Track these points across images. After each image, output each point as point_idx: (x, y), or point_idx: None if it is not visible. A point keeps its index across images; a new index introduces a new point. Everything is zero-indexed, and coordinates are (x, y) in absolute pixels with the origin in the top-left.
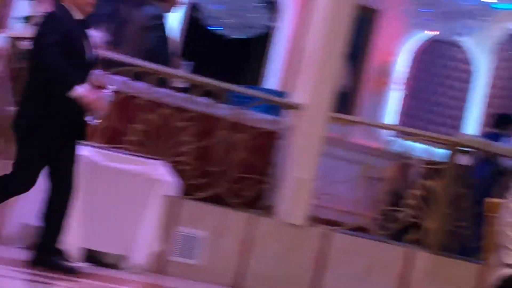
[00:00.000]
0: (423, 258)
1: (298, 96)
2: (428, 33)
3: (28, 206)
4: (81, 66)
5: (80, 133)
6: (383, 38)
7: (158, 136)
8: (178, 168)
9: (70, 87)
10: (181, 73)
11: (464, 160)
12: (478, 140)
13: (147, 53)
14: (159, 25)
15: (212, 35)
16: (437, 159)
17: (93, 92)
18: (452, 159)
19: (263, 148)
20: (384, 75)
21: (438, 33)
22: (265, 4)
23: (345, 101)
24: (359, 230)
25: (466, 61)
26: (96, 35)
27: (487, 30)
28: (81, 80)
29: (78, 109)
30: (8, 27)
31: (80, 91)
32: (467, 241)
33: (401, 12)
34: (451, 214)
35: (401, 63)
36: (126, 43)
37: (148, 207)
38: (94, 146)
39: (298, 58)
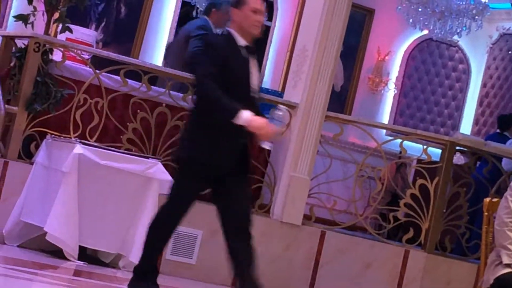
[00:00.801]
0: (419, 257)
1: (294, 96)
2: (424, 33)
3: (27, 204)
4: (244, 95)
5: (245, 167)
6: (379, 37)
7: (154, 134)
8: (173, 167)
9: (233, 114)
10: (178, 72)
11: (460, 159)
12: (473, 140)
13: (185, 62)
14: (201, 36)
15: None
16: (433, 158)
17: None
18: (448, 159)
19: (259, 147)
20: (379, 74)
21: (433, 32)
22: None
23: (340, 100)
24: (355, 229)
25: (461, 60)
26: (89, 33)
27: (482, 29)
28: (245, 108)
29: (243, 140)
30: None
31: (246, 116)
32: (463, 240)
33: (396, 11)
34: (447, 213)
35: (397, 62)
36: (172, 54)
37: (143, 205)
38: (90, 145)
39: (294, 58)
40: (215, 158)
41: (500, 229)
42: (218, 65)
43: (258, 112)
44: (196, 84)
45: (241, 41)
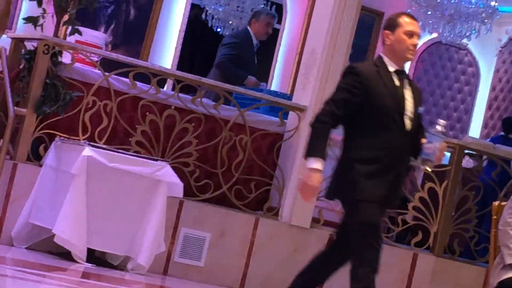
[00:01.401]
0: (427, 261)
1: (302, 98)
2: (433, 36)
3: (35, 206)
4: (394, 123)
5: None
6: None
7: (162, 137)
8: (182, 169)
9: (307, 153)
10: (187, 75)
11: (470, 163)
12: (483, 143)
13: (214, 68)
14: (233, 44)
15: (219, 36)
16: (442, 162)
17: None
18: (457, 162)
19: (268, 150)
20: None
21: (442, 35)
22: (271, 6)
23: None
24: None
25: (470, 64)
26: (98, 35)
27: (491, 33)
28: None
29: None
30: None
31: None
32: (472, 243)
33: None
34: (456, 216)
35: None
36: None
37: (152, 208)
38: (99, 147)
39: (303, 60)
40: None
41: (503, 228)
42: (359, 93)
43: (415, 140)
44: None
45: (393, 66)
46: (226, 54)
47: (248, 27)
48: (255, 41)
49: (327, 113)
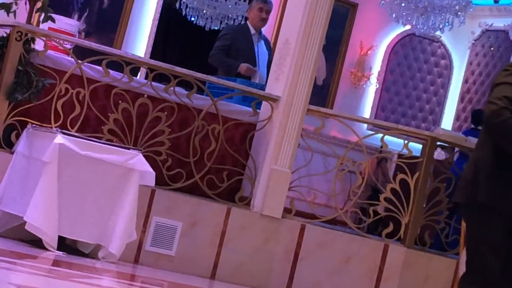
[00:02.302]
0: (398, 252)
1: (276, 89)
2: (406, 28)
3: (6, 194)
4: None
5: None
6: (361, 31)
7: (135, 125)
8: (154, 158)
9: None
10: (160, 63)
11: (441, 155)
12: (454, 135)
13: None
14: (224, 35)
15: (193, 25)
16: (414, 153)
17: None
18: (428, 154)
19: (240, 140)
20: (361, 68)
21: (416, 27)
22: None
23: (322, 94)
24: (335, 223)
25: (443, 56)
26: (71, 23)
27: (464, 25)
28: None
29: None
30: None
31: None
32: (442, 235)
33: (379, 6)
34: (427, 208)
35: (379, 57)
36: None
37: (123, 196)
38: (71, 135)
39: (277, 50)
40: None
41: None
42: None
43: None
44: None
45: None
46: (217, 46)
47: (247, 19)
48: (252, 31)
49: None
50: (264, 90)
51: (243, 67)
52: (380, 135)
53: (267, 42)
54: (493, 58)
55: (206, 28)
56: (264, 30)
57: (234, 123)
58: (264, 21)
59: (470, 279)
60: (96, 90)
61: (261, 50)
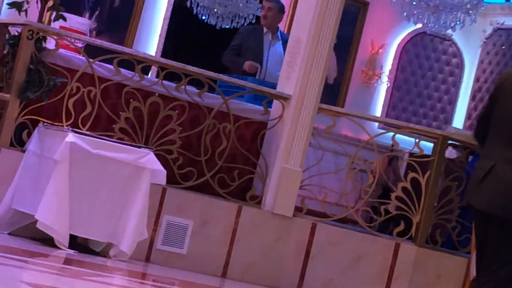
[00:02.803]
0: (409, 251)
1: (287, 87)
2: (417, 26)
3: (18, 192)
4: None
5: None
6: (372, 30)
7: (146, 124)
8: (165, 157)
9: None
10: (171, 62)
11: (452, 153)
12: (465, 134)
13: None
14: (236, 36)
15: (204, 24)
16: (425, 152)
17: None
18: (440, 153)
19: (251, 138)
20: (372, 67)
21: (427, 26)
22: None
23: (333, 93)
24: (346, 221)
25: (455, 54)
26: (82, 21)
27: (475, 24)
28: None
29: None
30: None
31: None
32: (454, 234)
33: (390, 4)
34: (438, 207)
35: (390, 56)
36: None
37: (135, 195)
38: (82, 133)
39: (288, 49)
40: None
41: None
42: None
43: None
44: None
45: None
46: (229, 46)
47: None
48: (265, 30)
49: None
50: (275, 88)
51: (246, 64)
52: (391, 133)
53: (286, 42)
54: (505, 56)
55: (217, 27)
56: None
57: (245, 122)
58: (264, 18)
59: None
60: (107, 88)
61: (273, 49)
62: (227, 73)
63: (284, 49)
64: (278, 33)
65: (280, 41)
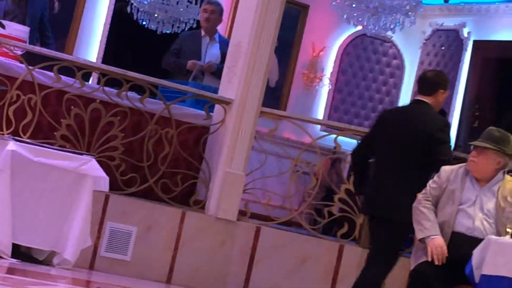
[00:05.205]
0: (353, 252)
1: (228, 91)
2: (358, 28)
3: None
4: None
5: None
6: (313, 33)
7: (87, 131)
8: (108, 163)
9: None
10: (112, 68)
11: None
12: None
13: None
14: (176, 40)
15: (144, 29)
16: None
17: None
18: None
19: (194, 143)
20: (314, 70)
21: (367, 28)
22: None
23: (275, 96)
24: (290, 224)
25: (395, 56)
26: (21, 29)
27: (415, 25)
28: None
29: None
30: None
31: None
32: None
33: (330, 7)
34: None
35: (331, 58)
36: None
37: (77, 202)
38: (23, 141)
39: (229, 53)
40: None
41: (415, 206)
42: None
43: None
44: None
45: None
46: (169, 50)
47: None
48: (203, 34)
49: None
50: (217, 93)
51: (189, 63)
52: (334, 136)
53: (224, 45)
54: (444, 57)
55: (158, 32)
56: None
57: (188, 127)
58: (207, 21)
59: None
60: (48, 96)
61: (210, 51)
62: (169, 78)
63: (222, 52)
64: (216, 36)
65: (218, 44)
